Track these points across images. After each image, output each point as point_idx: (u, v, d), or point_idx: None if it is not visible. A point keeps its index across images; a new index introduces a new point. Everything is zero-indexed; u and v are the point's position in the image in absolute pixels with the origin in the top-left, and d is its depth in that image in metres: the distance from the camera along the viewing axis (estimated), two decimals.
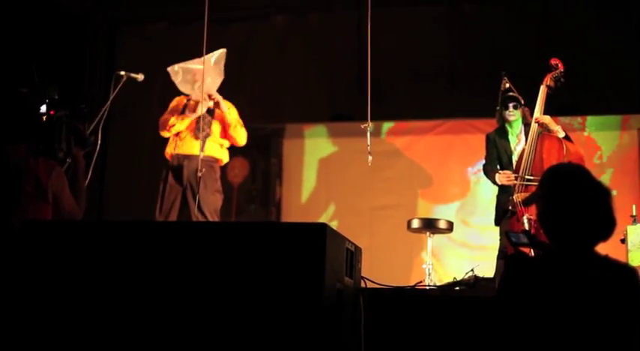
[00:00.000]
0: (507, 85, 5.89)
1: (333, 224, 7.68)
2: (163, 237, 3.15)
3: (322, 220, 7.95)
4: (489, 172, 5.99)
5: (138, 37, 8.77)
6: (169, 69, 6.48)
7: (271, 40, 8.49)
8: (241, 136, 6.53)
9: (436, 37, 7.99)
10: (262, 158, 8.72)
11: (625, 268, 2.69)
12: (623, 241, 5.31)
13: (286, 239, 3.03)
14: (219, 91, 6.49)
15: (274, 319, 2.94)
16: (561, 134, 5.63)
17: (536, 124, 5.62)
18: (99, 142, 5.65)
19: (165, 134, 6.49)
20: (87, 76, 8.60)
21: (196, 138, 6.29)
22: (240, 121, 6.53)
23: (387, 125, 8.30)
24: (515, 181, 5.62)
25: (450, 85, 7.99)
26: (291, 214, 8.39)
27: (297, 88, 8.36)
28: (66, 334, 3.05)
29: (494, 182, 5.90)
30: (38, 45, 7.44)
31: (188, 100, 6.49)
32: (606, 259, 2.64)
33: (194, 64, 6.39)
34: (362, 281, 3.65)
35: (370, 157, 5.11)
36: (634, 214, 5.44)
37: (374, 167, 5.29)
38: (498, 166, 5.96)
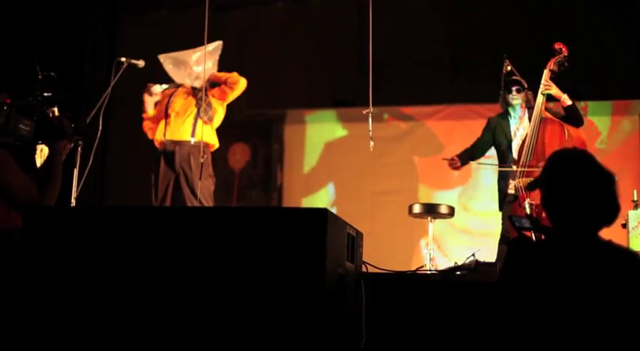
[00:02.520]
0: (509, 68, 5.89)
1: (334, 209, 7.69)
2: (165, 222, 3.15)
3: (323, 205, 7.96)
4: (462, 152, 6.15)
5: (138, 23, 8.75)
6: (160, 57, 6.49)
7: (272, 26, 8.48)
8: (241, 81, 6.53)
9: (437, 21, 7.97)
10: (263, 144, 8.72)
11: (628, 253, 2.69)
12: (625, 225, 5.31)
13: (287, 224, 3.03)
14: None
15: (276, 305, 2.94)
16: (568, 102, 5.64)
17: (539, 108, 5.62)
18: (100, 128, 5.67)
19: (145, 125, 6.61)
20: (88, 64, 8.58)
21: (201, 119, 6.30)
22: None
23: (388, 110, 8.28)
24: (458, 165, 6.04)
25: (452, 71, 7.98)
26: (292, 200, 8.40)
27: (299, 74, 8.36)
28: (65, 320, 3.06)
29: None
30: (39, 33, 7.43)
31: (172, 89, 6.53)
32: (609, 244, 2.64)
33: (186, 55, 6.42)
34: (363, 266, 3.65)
35: (372, 143, 5.10)
36: (635, 199, 5.44)
37: (375, 152, 5.29)
38: (495, 151, 6.05)
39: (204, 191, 6.20)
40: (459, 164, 6.08)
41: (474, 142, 6.16)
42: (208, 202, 6.24)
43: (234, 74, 6.50)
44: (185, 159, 6.27)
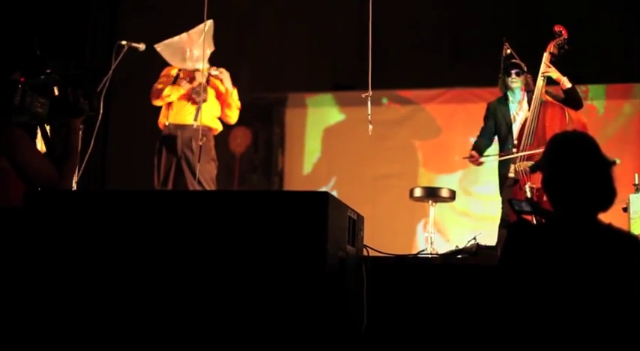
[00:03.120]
0: (509, 51, 5.88)
1: (336, 193, 7.69)
2: (167, 206, 3.15)
3: (325, 189, 7.97)
4: (474, 147, 6.17)
5: (139, 6, 8.71)
6: (156, 47, 6.46)
7: (273, 9, 8.45)
8: (233, 117, 6.56)
9: (437, 5, 7.94)
10: (264, 128, 8.72)
11: (627, 236, 2.70)
12: (626, 209, 5.31)
13: (289, 208, 3.03)
14: (219, 61, 6.48)
15: (277, 288, 2.95)
16: (568, 85, 5.63)
17: (539, 92, 5.61)
18: (100, 110, 5.65)
19: (157, 103, 6.49)
20: (88, 47, 8.55)
21: (194, 103, 6.29)
22: (239, 103, 6.54)
23: (389, 94, 8.27)
24: (480, 160, 6.09)
25: (453, 54, 7.97)
26: (293, 184, 8.41)
27: (299, 58, 8.33)
28: (65, 305, 3.07)
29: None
30: (39, 16, 7.41)
31: (180, 69, 6.49)
32: (609, 227, 2.64)
33: (181, 39, 6.41)
34: (364, 249, 3.66)
35: (371, 126, 5.10)
36: (636, 182, 5.44)
37: (376, 136, 5.30)
38: (496, 138, 6.05)
39: (205, 175, 6.21)
40: (481, 160, 6.10)
41: (480, 133, 6.18)
42: (210, 185, 6.26)
43: (234, 110, 6.55)
44: (187, 143, 6.29)
